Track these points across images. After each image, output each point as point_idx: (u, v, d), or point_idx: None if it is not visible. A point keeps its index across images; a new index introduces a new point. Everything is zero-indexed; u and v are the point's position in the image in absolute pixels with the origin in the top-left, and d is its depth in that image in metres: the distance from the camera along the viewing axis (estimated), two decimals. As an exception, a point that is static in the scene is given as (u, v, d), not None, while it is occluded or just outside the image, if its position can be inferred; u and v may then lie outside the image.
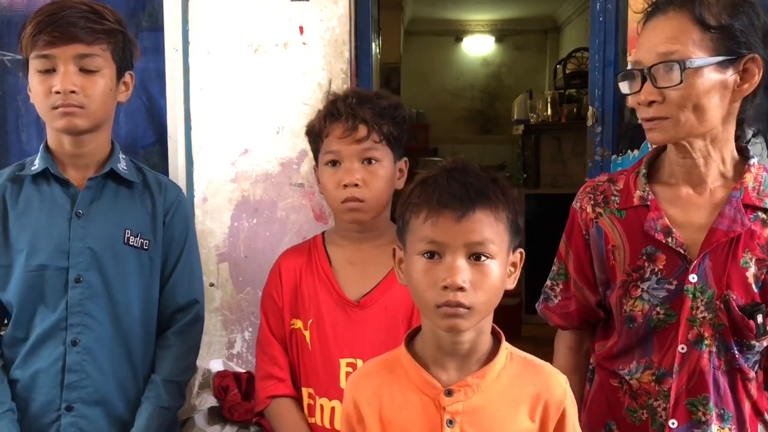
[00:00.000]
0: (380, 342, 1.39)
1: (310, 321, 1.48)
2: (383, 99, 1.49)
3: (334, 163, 1.46)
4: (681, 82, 1.20)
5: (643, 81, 1.24)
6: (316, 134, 1.51)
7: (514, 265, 1.08)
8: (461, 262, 1.00)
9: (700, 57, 1.20)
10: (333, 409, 1.44)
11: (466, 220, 1.00)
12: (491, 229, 1.02)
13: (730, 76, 1.22)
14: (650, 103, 1.25)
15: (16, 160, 1.56)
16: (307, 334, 1.48)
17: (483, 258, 1.01)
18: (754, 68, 1.22)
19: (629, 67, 1.33)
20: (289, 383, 1.50)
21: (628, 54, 1.98)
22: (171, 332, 1.58)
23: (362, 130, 1.44)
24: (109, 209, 1.50)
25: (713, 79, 1.21)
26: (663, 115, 1.24)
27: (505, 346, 1.09)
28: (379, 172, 1.45)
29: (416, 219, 1.04)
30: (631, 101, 1.29)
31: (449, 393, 1.05)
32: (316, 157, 1.54)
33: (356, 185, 1.43)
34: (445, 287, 1.00)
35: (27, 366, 1.47)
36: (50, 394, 1.46)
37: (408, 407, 1.07)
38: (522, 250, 1.09)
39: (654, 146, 1.41)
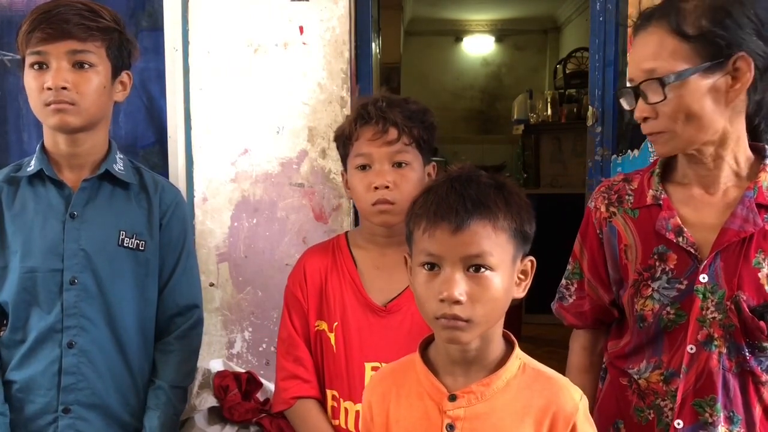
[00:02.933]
0: (405, 347, 1.38)
1: (336, 324, 1.47)
2: (412, 104, 1.50)
3: (364, 166, 1.45)
4: (665, 98, 1.21)
5: (637, 97, 1.26)
6: (345, 138, 1.50)
7: (524, 273, 1.07)
8: (458, 275, 0.99)
9: (682, 68, 1.20)
10: (357, 413, 1.43)
11: (462, 233, 0.99)
12: (489, 241, 1.00)
13: (719, 79, 1.21)
14: (645, 119, 1.26)
15: (17, 160, 1.56)
16: (332, 336, 1.47)
17: (482, 270, 1.00)
18: (744, 66, 1.21)
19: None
20: (314, 384, 1.49)
21: (628, 54, 1.99)
22: (173, 337, 1.57)
23: (393, 133, 1.43)
24: (103, 210, 1.49)
25: (702, 87, 1.21)
26: (659, 130, 1.25)
27: (518, 356, 1.07)
28: (409, 175, 1.44)
29: (417, 230, 1.04)
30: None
31: (453, 398, 1.04)
32: (344, 162, 1.53)
33: (387, 187, 1.42)
34: (442, 300, 0.99)
35: (24, 368, 1.46)
36: (47, 396, 1.45)
37: (413, 410, 1.07)
38: (532, 258, 1.07)
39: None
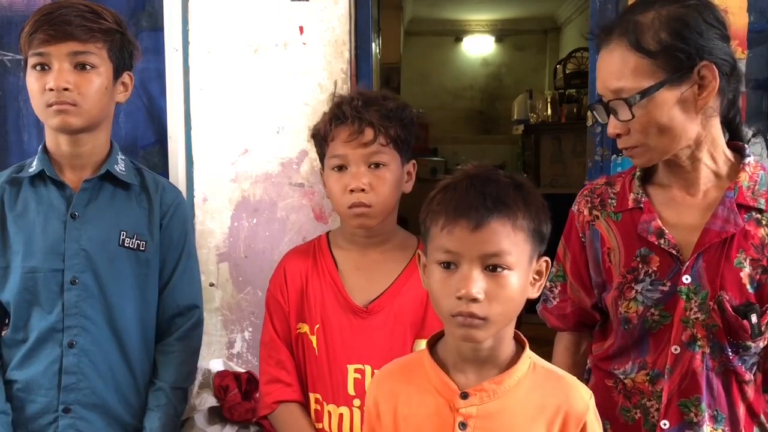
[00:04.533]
0: (388, 348, 1.38)
1: (317, 326, 1.46)
2: (389, 101, 1.46)
3: (340, 167, 1.43)
4: (633, 117, 1.21)
5: (608, 112, 1.26)
6: (321, 138, 1.48)
7: (539, 273, 1.06)
8: (476, 273, 0.99)
9: (647, 85, 1.20)
10: (341, 415, 1.42)
11: (482, 231, 0.98)
12: (508, 240, 0.99)
13: (686, 90, 1.21)
14: (618, 135, 1.26)
15: (17, 160, 1.56)
16: (313, 339, 1.46)
17: (499, 269, 0.99)
18: (709, 75, 1.20)
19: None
20: (296, 388, 1.47)
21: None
22: (174, 338, 1.57)
23: (369, 134, 1.41)
24: (104, 211, 1.50)
25: (669, 100, 1.21)
26: (632, 145, 1.26)
27: (529, 355, 1.07)
28: (386, 176, 1.42)
29: (435, 227, 1.03)
30: None
31: (465, 396, 1.04)
32: (322, 161, 1.51)
33: (363, 190, 1.40)
34: (460, 297, 0.99)
35: (25, 368, 1.47)
36: (48, 396, 1.46)
37: (423, 407, 1.07)
38: (547, 258, 1.07)
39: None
